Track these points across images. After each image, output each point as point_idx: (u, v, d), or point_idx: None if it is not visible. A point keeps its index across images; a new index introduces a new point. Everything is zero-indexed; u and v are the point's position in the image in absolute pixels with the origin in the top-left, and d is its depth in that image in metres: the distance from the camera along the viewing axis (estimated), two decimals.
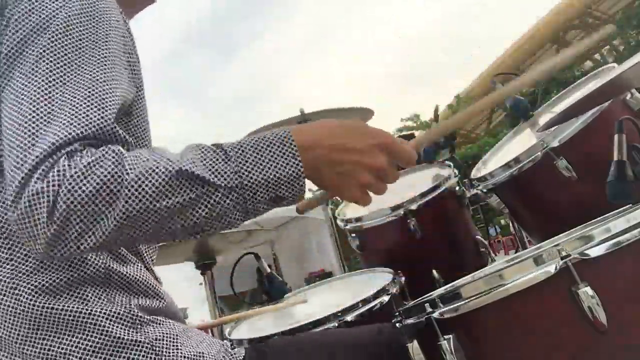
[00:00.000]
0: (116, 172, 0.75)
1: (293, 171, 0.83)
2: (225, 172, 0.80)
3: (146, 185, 0.75)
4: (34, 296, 0.85)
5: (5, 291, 0.86)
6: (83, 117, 0.78)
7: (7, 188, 0.78)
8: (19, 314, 0.85)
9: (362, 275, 1.87)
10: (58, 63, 0.82)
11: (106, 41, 0.87)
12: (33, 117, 0.78)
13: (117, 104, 0.84)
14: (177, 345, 0.91)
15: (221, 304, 2.65)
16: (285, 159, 0.83)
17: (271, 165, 0.82)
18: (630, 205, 1.01)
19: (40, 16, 0.85)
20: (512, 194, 1.79)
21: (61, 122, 0.77)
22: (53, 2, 0.86)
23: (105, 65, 0.85)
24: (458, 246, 2.01)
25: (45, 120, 0.78)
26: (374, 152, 0.88)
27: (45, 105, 0.79)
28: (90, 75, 0.83)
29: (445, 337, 0.94)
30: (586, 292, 0.86)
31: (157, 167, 0.77)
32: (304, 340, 1.18)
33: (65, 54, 0.83)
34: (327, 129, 0.89)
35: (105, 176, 0.74)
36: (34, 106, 0.79)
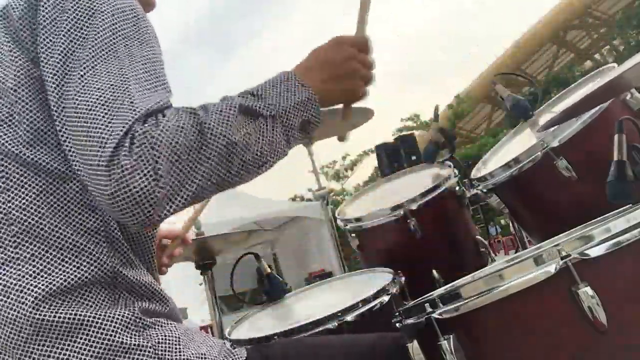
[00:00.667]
0: (196, 120, 0.84)
1: (307, 95, 0.98)
2: (265, 105, 0.92)
3: (224, 123, 0.85)
4: (37, 303, 0.85)
5: (11, 294, 0.85)
6: (152, 96, 0.85)
7: (87, 172, 0.81)
8: (20, 320, 0.84)
9: (362, 275, 1.87)
10: (117, 48, 0.87)
11: (149, 37, 0.94)
12: (103, 98, 0.82)
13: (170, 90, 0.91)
14: (179, 348, 0.91)
15: (221, 304, 2.65)
16: (297, 88, 0.98)
17: (290, 95, 0.96)
18: (630, 205, 1.01)
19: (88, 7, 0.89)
20: (512, 194, 1.79)
21: (134, 100, 0.82)
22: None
23: (156, 56, 0.92)
24: (458, 246, 2.01)
25: (119, 101, 0.82)
26: (343, 49, 1.07)
27: (114, 88, 0.83)
28: (146, 66, 0.89)
29: (445, 337, 0.94)
30: (586, 292, 0.86)
31: (223, 107, 0.87)
32: (306, 343, 1.18)
33: (120, 46, 0.88)
34: (316, 60, 1.05)
35: (190, 125, 0.83)
36: (103, 90, 0.83)
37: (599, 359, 0.89)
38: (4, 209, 0.88)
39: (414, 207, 1.90)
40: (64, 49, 0.86)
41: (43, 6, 0.90)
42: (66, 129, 0.84)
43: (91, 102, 0.82)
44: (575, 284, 0.87)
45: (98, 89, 0.83)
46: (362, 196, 2.40)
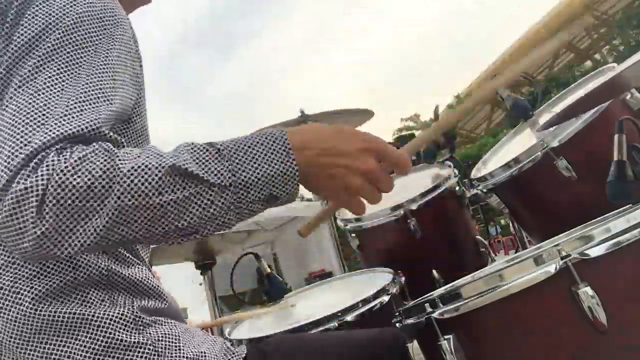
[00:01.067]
0: (108, 167, 0.73)
1: (287, 169, 0.81)
2: (219, 171, 0.78)
3: (139, 181, 0.74)
4: (36, 302, 0.85)
5: (8, 297, 0.86)
6: (75, 118, 0.77)
7: None
8: (21, 319, 0.85)
9: (362, 275, 1.87)
10: (60, 66, 0.81)
11: (110, 47, 0.87)
12: (27, 117, 0.77)
13: (114, 110, 0.83)
14: (179, 346, 0.91)
15: (221, 304, 2.65)
16: (279, 157, 0.81)
17: (265, 163, 0.80)
18: (630, 205, 1.01)
19: (46, 18, 0.84)
20: (512, 194, 1.79)
21: (53, 122, 0.76)
22: (60, 5, 0.85)
23: (105, 70, 0.85)
24: (458, 246, 2.01)
25: (38, 121, 0.76)
26: (364, 156, 0.86)
27: (40, 106, 0.77)
28: (89, 79, 0.82)
29: (445, 337, 0.94)
30: (586, 292, 0.86)
31: (149, 163, 0.75)
32: (306, 341, 1.18)
33: (68, 57, 0.82)
34: (317, 132, 0.88)
35: (97, 171, 0.73)
36: (28, 107, 0.77)
37: (599, 359, 0.89)
38: None
39: (414, 207, 1.90)
40: (15, 54, 0.83)
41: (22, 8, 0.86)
42: None
43: (12, 116, 0.77)
44: (575, 284, 0.87)
45: (23, 105, 0.78)
46: None
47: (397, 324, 1.05)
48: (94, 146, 0.75)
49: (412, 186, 2.07)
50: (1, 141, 0.77)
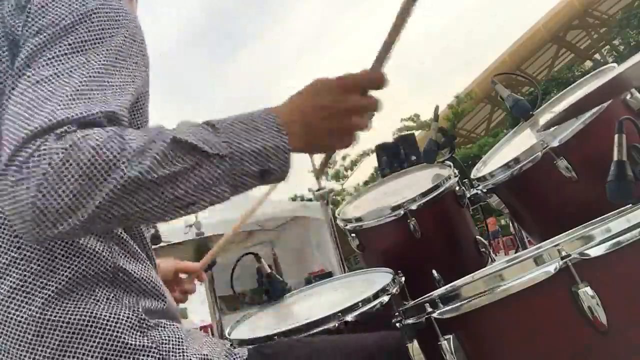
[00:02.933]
0: (114, 143, 0.76)
1: (279, 143, 0.86)
2: (215, 143, 0.82)
3: (145, 158, 0.76)
4: (46, 303, 0.84)
5: (17, 297, 0.85)
6: (88, 102, 0.79)
7: None
8: (27, 319, 0.84)
9: (362, 275, 1.87)
10: (84, 51, 0.84)
11: (127, 37, 0.90)
12: (39, 98, 0.78)
13: (127, 99, 0.85)
14: (182, 348, 0.91)
15: (221, 304, 2.64)
16: (271, 132, 0.86)
17: (258, 137, 0.85)
18: (630, 205, 1.01)
19: (65, 8, 0.86)
20: (512, 194, 1.79)
21: (64, 103, 0.78)
22: None
23: (124, 58, 0.88)
24: (458, 246, 2.01)
25: (45, 102, 0.78)
26: (344, 97, 0.93)
27: (54, 88, 0.79)
28: (106, 66, 0.85)
29: (445, 337, 0.94)
30: (586, 292, 0.86)
31: (154, 138, 0.79)
32: (307, 343, 1.18)
33: (93, 44, 0.85)
34: (297, 102, 0.93)
35: (101, 148, 0.75)
36: (44, 89, 0.79)
37: (599, 359, 0.89)
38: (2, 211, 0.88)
39: (414, 207, 1.90)
40: (39, 43, 0.84)
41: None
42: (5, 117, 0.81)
43: (29, 98, 0.79)
44: (575, 284, 0.87)
45: (37, 90, 0.79)
46: (362, 196, 2.40)
47: (397, 324, 1.05)
48: (100, 128, 0.77)
49: (412, 186, 2.07)
50: (13, 114, 0.78)
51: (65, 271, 0.86)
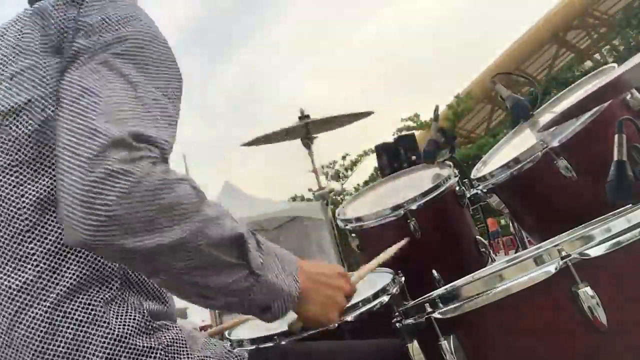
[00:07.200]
0: (197, 201, 0.81)
1: (292, 291, 0.95)
2: (259, 260, 0.89)
3: (215, 227, 0.82)
4: (59, 298, 0.84)
5: (32, 292, 0.85)
6: (162, 131, 0.84)
7: (65, 155, 0.77)
8: (38, 318, 0.84)
9: None
10: (143, 72, 0.87)
11: (173, 67, 0.94)
12: (121, 102, 0.81)
13: (175, 130, 0.89)
14: (187, 350, 0.91)
15: None
16: (292, 278, 0.96)
17: (281, 276, 0.93)
18: (630, 205, 1.01)
19: (130, 27, 0.90)
20: (512, 194, 1.79)
21: (146, 122, 0.81)
22: (145, 20, 0.93)
23: (177, 100, 0.93)
24: (458, 246, 2.01)
25: (134, 112, 0.81)
26: (343, 281, 1.10)
27: (136, 102, 0.83)
28: (169, 101, 0.89)
29: (445, 337, 0.94)
30: (586, 292, 0.86)
31: (226, 220, 0.85)
32: (307, 347, 1.18)
33: (150, 66, 0.89)
34: (312, 269, 1.04)
35: (186, 199, 0.80)
36: (123, 96, 0.82)
37: (598, 359, 0.89)
38: (15, 206, 0.88)
39: (414, 207, 1.90)
40: (108, 42, 0.87)
41: (89, 17, 0.90)
42: (64, 121, 0.82)
43: (101, 106, 0.80)
44: (575, 284, 0.87)
45: (120, 92, 0.83)
46: (362, 196, 2.40)
47: (397, 324, 1.05)
48: (185, 175, 0.83)
49: (412, 186, 2.07)
50: (85, 106, 0.80)
51: (77, 269, 0.87)
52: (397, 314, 1.07)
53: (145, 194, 0.75)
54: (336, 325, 1.20)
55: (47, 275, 0.86)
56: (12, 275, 0.86)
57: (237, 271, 0.86)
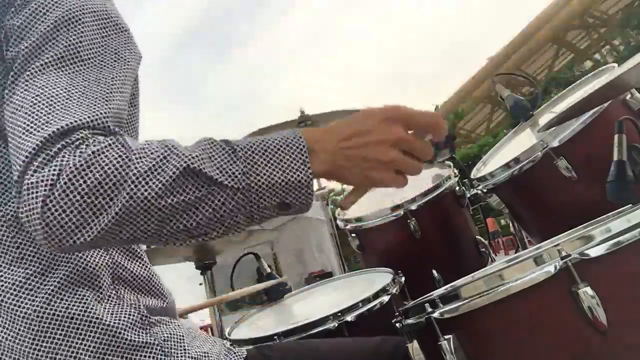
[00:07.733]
0: (121, 164, 0.73)
1: (302, 177, 0.79)
2: (233, 172, 0.76)
3: (151, 181, 0.73)
4: (49, 297, 0.85)
5: (21, 292, 0.85)
6: (92, 109, 0.78)
7: (13, 173, 0.76)
8: (31, 314, 0.84)
9: (362, 275, 1.87)
10: (74, 62, 0.82)
11: (120, 46, 0.89)
12: (42, 106, 0.77)
13: (124, 106, 0.84)
14: (184, 346, 0.91)
15: (221, 304, 2.64)
16: (295, 164, 0.79)
17: (279, 169, 0.78)
18: (630, 205, 1.01)
19: (62, 12, 0.85)
20: (512, 194, 1.79)
21: (69, 111, 0.76)
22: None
23: (116, 68, 0.86)
24: (458, 246, 2.01)
25: (53, 109, 0.76)
26: (388, 126, 0.83)
27: (58, 96, 0.78)
28: (101, 76, 0.83)
29: (445, 337, 0.94)
30: (586, 292, 0.86)
31: (164, 163, 0.74)
32: (307, 346, 1.18)
33: (85, 54, 0.84)
34: (333, 125, 0.86)
35: (110, 168, 0.72)
36: (44, 97, 0.78)
37: (598, 359, 0.89)
38: (3, 210, 0.88)
39: (414, 207, 1.90)
40: (32, 46, 0.83)
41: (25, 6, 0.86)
42: (8, 122, 0.80)
43: (30, 105, 0.77)
44: (575, 284, 0.87)
45: (43, 93, 0.78)
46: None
47: (397, 324, 1.05)
48: (111, 139, 0.75)
49: (412, 186, 2.07)
50: (15, 127, 0.77)
51: (67, 265, 0.87)
52: (397, 314, 1.06)
53: (65, 189, 0.71)
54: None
55: (36, 274, 0.86)
56: (7, 273, 0.86)
57: (215, 197, 0.76)
